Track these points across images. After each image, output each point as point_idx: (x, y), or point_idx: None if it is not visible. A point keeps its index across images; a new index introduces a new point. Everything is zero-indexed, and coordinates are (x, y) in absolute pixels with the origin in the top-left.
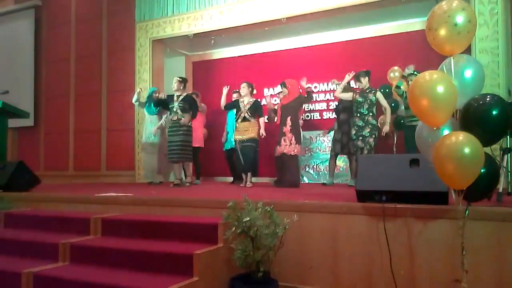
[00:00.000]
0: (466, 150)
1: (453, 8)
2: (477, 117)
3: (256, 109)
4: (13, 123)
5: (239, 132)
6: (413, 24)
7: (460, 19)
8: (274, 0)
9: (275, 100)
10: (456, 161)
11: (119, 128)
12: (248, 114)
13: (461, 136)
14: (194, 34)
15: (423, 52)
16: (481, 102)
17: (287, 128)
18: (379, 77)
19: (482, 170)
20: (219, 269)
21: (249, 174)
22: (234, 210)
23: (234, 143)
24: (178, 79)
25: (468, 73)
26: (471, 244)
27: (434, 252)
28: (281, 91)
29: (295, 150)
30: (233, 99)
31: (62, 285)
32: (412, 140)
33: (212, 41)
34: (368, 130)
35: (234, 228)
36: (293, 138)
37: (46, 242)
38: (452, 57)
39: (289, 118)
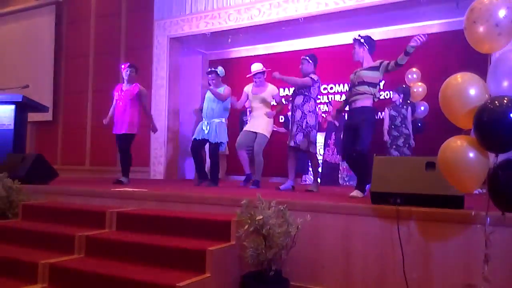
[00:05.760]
0: (470, 155)
1: (494, 4)
2: (491, 120)
3: None
4: (32, 117)
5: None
6: (431, 26)
7: (502, 16)
8: (291, 0)
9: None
10: (458, 165)
11: None
12: None
13: (466, 140)
14: (211, 32)
15: (441, 54)
16: (497, 104)
17: (331, 140)
18: (396, 78)
19: None
20: (231, 266)
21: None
22: (247, 208)
23: (204, 134)
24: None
25: None
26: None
27: (448, 256)
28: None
29: (336, 159)
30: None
31: (77, 276)
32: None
33: (229, 40)
34: (402, 140)
35: (247, 226)
36: (336, 150)
37: (63, 234)
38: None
39: (333, 133)
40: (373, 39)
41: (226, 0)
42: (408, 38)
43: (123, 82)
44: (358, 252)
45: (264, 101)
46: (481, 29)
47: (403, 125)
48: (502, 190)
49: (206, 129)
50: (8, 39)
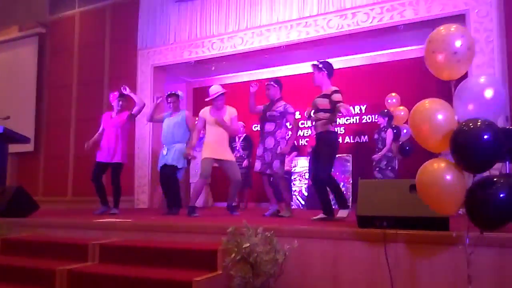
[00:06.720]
0: (447, 177)
1: (451, 34)
2: (466, 142)
3: None
4: (13, 148)
5: None
6: (410, 51)
7: (459, 45)
8: (273, 28)
9: None
10: (437, 187)
11: None
12: None
13: (442, 163)
14: (195, 61)
15: (420, 78)
16: (471, 126)
17: None
18: (377, 102)
19: (501, 196)
20: None
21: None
22: (233, 236)
23: (164, 160)
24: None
25: (489, 94)
26: (475, 272)
27: (435, 278)
28: None
29: None
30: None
31: None
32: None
33: (213, 68)
34: (385, 162)
35: (233, 255)
36: None
37: (44, 268)
38: (452, 83)
39: None
40: (331, 64)
41: (209, 29)
42: (388, 64)
43: (112, 110)
44: (346, 277)
45: None
46: (440, 57)
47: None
48: (478, 209)
49: (166, 154)
50: None
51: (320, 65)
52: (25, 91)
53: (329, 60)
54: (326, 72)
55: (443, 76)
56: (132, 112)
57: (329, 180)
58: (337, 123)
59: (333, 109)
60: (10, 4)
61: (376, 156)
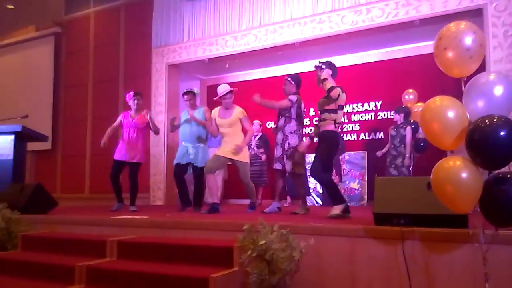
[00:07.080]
0: (463, 175)
1: (463, 30)
2: (482, 139)
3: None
4: (31, 146)
5: None
6: (426, 47)
7: (471, 42)
8: (287, 25)
9: None
10: (453, 185)
11: None
12: None
13: (458, 160)
14: (209, 58)
15: (437, 73)
16: (487, 123)
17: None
18: (392, 99)
19: None
20: None
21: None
22: (249, 233)
23: (189, 159)
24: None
25: (498, 91)
26: (492, 270)
27: (455, 276)
28: None
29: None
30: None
31: None
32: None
33: (227, 65)
34: (401, 160)
35: (249, 252)
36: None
37: (63, 264)
38: (462, 80)
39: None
40: (333, 64)
41: (223, 27)
42: (403, 60)
43: (130, 110)
44: (363, 275)
45: (233, 125)
46: (451, 54)
47: (402, 145)
48: (492, 206)
49: (192, 153)
50: (7, 70)
51: (323, 66)
52: (42, 90)
53: (343, 57)
54: (330, 72)
55: (453, 73)
56: (150, 125)
57: (322, 177)
58: (352, 119)
59: (329, 94)
60: (27, 4)
61: (406, 160)
